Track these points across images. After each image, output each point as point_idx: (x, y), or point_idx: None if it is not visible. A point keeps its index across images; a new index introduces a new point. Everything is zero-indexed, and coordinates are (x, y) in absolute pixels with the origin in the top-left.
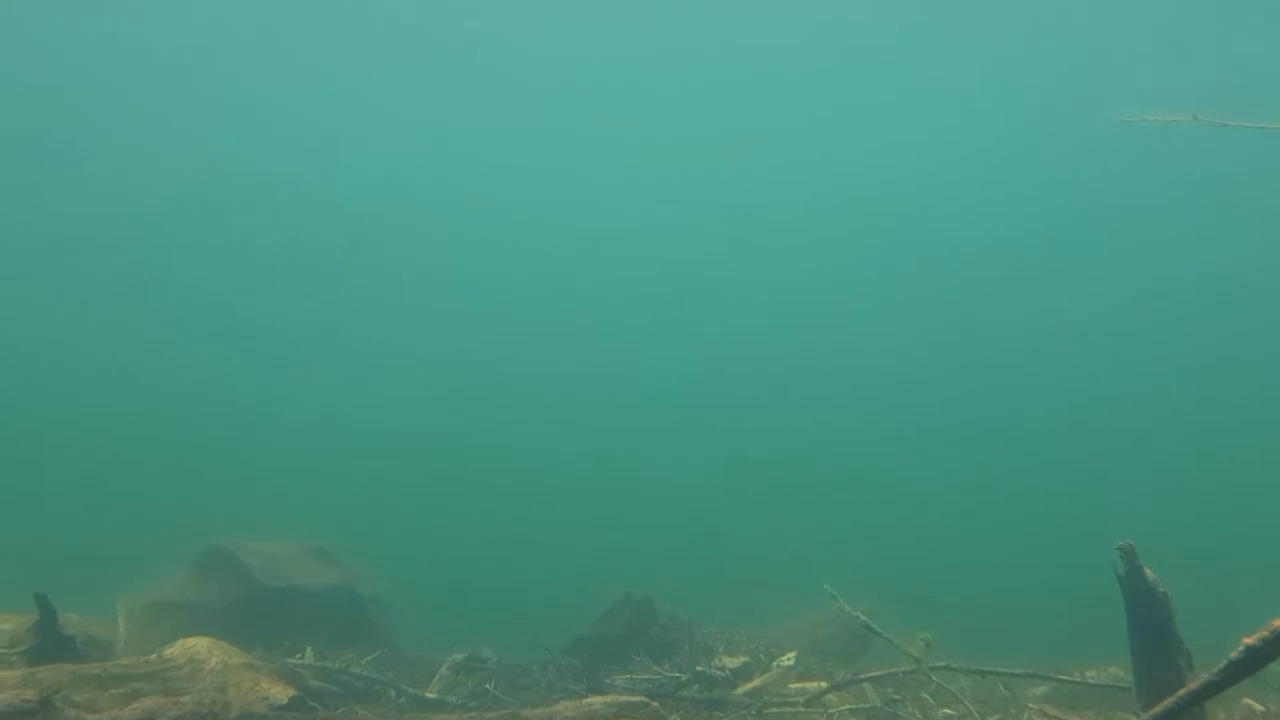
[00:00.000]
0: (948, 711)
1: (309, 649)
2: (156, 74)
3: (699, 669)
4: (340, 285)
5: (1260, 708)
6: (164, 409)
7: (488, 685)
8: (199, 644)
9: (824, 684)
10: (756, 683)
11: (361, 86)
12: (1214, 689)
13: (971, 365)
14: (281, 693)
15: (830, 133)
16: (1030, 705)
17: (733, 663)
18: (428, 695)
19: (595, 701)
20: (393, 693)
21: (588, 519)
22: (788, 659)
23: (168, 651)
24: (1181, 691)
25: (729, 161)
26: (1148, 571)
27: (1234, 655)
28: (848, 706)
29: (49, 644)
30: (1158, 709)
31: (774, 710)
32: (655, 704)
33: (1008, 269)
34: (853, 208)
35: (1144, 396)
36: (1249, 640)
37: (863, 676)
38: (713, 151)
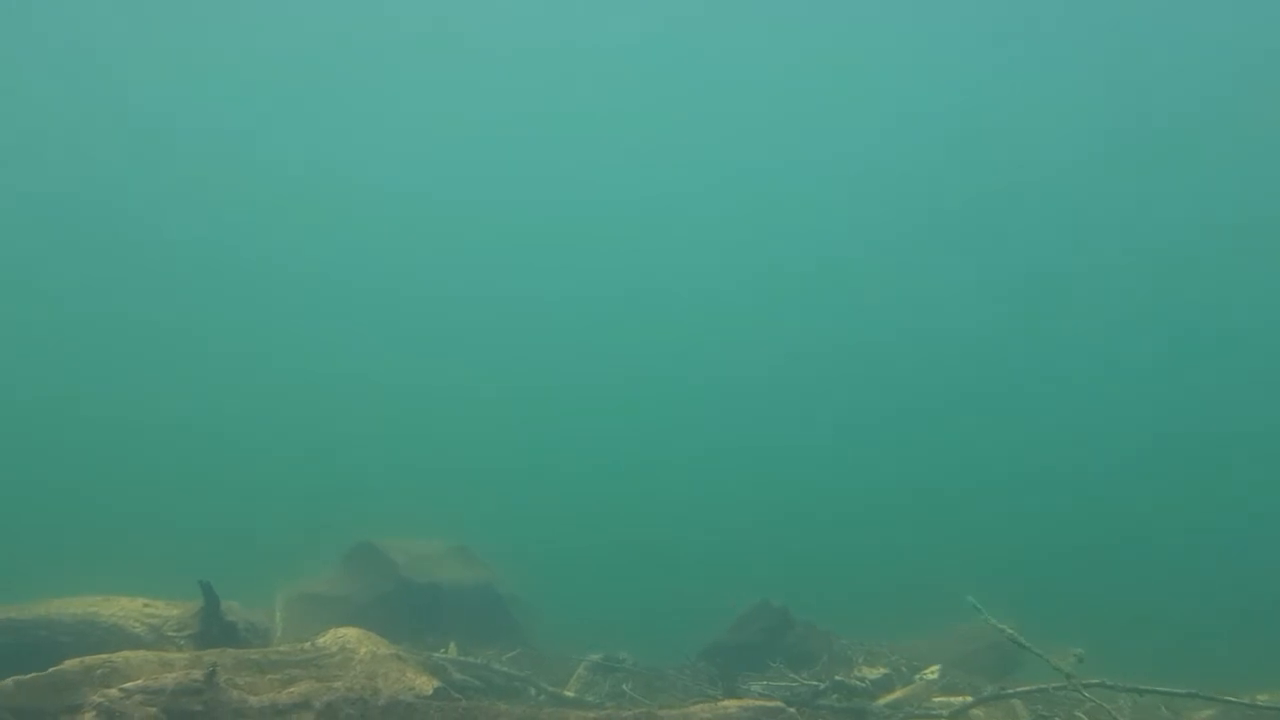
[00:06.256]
0: None
1: (452, 644)
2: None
3: (838, 678)
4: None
5: None
6: (326, 408)
7: (624, 686)
8: (350, 634)
9: (969, 698)
10: (898, 695)
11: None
12: None
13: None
14: (426, 684)
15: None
16: None
17: (873, 674)
18: (566, 694)
19: (730, 705)
20: (532, 690)
21: (725, 531)
22: (931, 672)
23: (321, 640)
24: None
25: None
26: None
27: None
28: None
29: (213, 629)
30: None
31: None
32: (792, 710)
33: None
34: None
35: None
36: None
37: (1011, 691)
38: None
